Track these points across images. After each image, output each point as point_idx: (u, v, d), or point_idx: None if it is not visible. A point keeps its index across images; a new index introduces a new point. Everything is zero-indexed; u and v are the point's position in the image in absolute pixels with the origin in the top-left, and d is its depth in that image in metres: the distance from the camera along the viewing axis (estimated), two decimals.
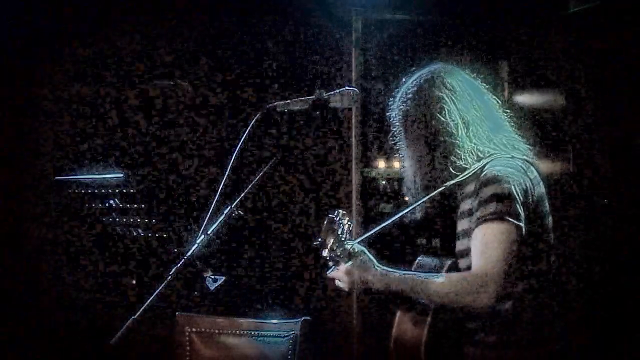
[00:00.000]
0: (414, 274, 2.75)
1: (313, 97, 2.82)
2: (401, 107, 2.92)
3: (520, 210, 2.67)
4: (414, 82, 2.95)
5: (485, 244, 2.66)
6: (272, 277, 5.00)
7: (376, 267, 2.74)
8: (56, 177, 4.52)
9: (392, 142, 3.03)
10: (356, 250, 2.76)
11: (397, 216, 2.88)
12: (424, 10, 4.87)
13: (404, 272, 2.76)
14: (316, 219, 5.01)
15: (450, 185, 2.82)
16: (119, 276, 4.70)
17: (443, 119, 2.84)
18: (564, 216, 4.63)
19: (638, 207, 4.25)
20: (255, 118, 2.78)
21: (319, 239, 2.74)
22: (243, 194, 2.69)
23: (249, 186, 2.70)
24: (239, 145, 2.77)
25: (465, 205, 2.82)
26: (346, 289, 2.80)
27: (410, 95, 2.91)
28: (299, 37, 5.01)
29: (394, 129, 2.99)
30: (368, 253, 2.77)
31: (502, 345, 2.73)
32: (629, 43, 4.27)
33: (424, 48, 4.91)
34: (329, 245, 2.72)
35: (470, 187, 2.80)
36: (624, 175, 4.35)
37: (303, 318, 3.05)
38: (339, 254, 2.73)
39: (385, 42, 4.96)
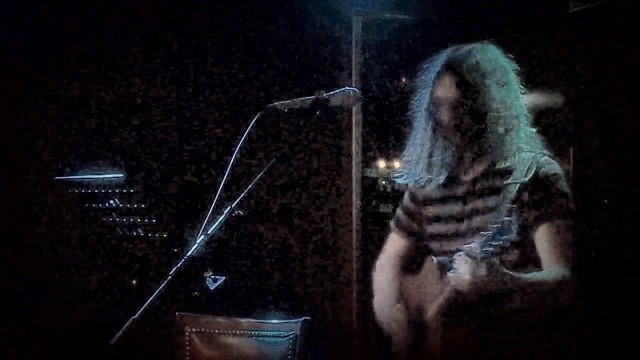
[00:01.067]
0: (520, 274, 2.69)
1: (313, 97, 2.81)
2: (465, 73, 2.83)
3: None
4: (476, 49, 2.88)
5: (561, 242, 2.70)
6: (272, 277, 5.00)
7: (506, 272, 2.66)
8: (56, 177, 4.52)
9: (414, 112, 2.98)
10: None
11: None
12: (424, 10, 4.88)
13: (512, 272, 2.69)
14: (315, 219, 5.02)
15: (519, 180, 2.75)
16: (119, 276, 4.70)
17: (507, 98, 2.84)
18: None
19: (638, 207, 4.25)
20: (255, 118, 2.77)
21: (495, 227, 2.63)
22: (243, 194, 2.69)
23: (249, 186, 2.70)
24: (238, 145, 2.77)
25: (515, 197, 2.75)
26: (466, 287, 2.65)
27: (482, 63, 2.84)
28: (299, 37, 5.01)
29: (428, 101, 2.91)
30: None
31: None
32: (629, 43, 4.27)
33: (423, 48, 4.91)
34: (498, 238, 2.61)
35: (516, 179, 2.75)
36: (624, 175, 4.36)
37: (303, 318, 3.05)
38: (495, 245, 2.60)
39: (385, 42, 4.97)
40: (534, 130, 2.90)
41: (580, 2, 4.57)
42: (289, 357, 3.03)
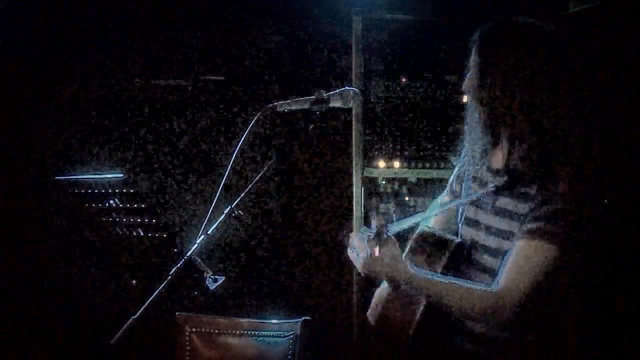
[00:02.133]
0: (441, 278, 2.51)
1: (313, 97, 2.81)
2: (488, 42, 2.55)
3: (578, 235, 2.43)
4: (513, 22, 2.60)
5: (524, 263, 2.39)
6: (272, 277, 5.00)
7: (404, 261, 2.52)
8: (56, 177, 4.51)
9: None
10: (389, 239, 2.53)
11: (450, 205, 2.69)
12: (424, 10, 4.87)
13: (430, 273, 2.54)
14: (315, 219, 5.01)
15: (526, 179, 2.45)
16: (119, 276, 4.70)
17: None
18: None
19: (638, 207, 4.24)
20: (255, 118, 2.77)
21: (370, 211, 2.60)
22: (243, 194, 2.69)
23: (249, 186, 2.70)
24: (238, 145, 2.77)
25: (505, 203, 2.54)
26: (361, 272, 2.58)
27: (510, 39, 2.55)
28: (299, 37, 5.01)
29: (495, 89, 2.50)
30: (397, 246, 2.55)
31: (498, 343, 2.56)
32: (629, 43, 4.27)
33: (423, 48, 4.91)
34: (374, 223, 2.52)
35: (523, 188, 2.48)
36: (624, 175, 4.35)
37: (303, 318, 3.05)
38: (374, 236, 2.51)
39: (385, 42, 4.96)
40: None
41: (580, 2, 4.57)
42: (289, 357, 3.03)
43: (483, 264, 2.61)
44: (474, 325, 2.58)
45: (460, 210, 2.76)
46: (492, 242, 2.59)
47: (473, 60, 2.60)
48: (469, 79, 2.62)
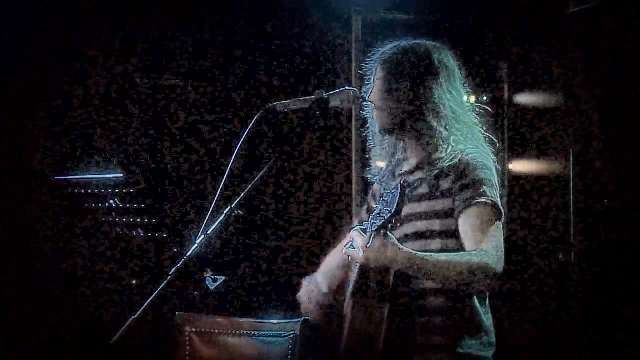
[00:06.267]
0: (437, 255, 2.68)
1: (313, 97, 2.82)
2: (395, 74, 2.87)
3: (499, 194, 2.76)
4: (413, 49, 2.91)
5: (479, 228, 2.68)
6: (272, 277, 5.00)
7: (400, 246, 2.64)
8: (56, 177, 4.51)
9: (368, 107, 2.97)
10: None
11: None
12: (424, 10, 4.87)
13: (425, 253, 2.69)
14: (315, 219, 5.02)
15: (443, 167, 2.79)
16: (119, 276, 4.70)
17: (435, 96, 2.83)
18: (563, 216, 4.63)
19: (638, 207, 4.25)
20: (255, 118, 2.78)
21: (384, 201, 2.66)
22: (243, 194, 2.69)
23: (249, 186, 2.70)
24: (238, 145, 2.77)
25: (440, 186, 2.80)
26: (361, 261, 2.69)
27: (411, 62, 2.87)
28: (299, 37, 5.01)
29: (378, 98, 2.92)
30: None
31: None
32: (629, 43, 4.27)
33: None
34: (390, 208, 2.59)
35: (444, 170, 2.79)
36: (624, 175, 4.35)
37: (303, 318, 3.05)
38: (384, 222, 2.60)
39: (385, 42, 4.96)
40: (478, 127, 2.89)
41: (580, 2, 4.57)
42: (289, 357, 3.03)
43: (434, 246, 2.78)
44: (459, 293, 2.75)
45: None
46: (436, 225, 2.78)
47: (382, 75, 2.92)
48: (378, 91, 2.89)
